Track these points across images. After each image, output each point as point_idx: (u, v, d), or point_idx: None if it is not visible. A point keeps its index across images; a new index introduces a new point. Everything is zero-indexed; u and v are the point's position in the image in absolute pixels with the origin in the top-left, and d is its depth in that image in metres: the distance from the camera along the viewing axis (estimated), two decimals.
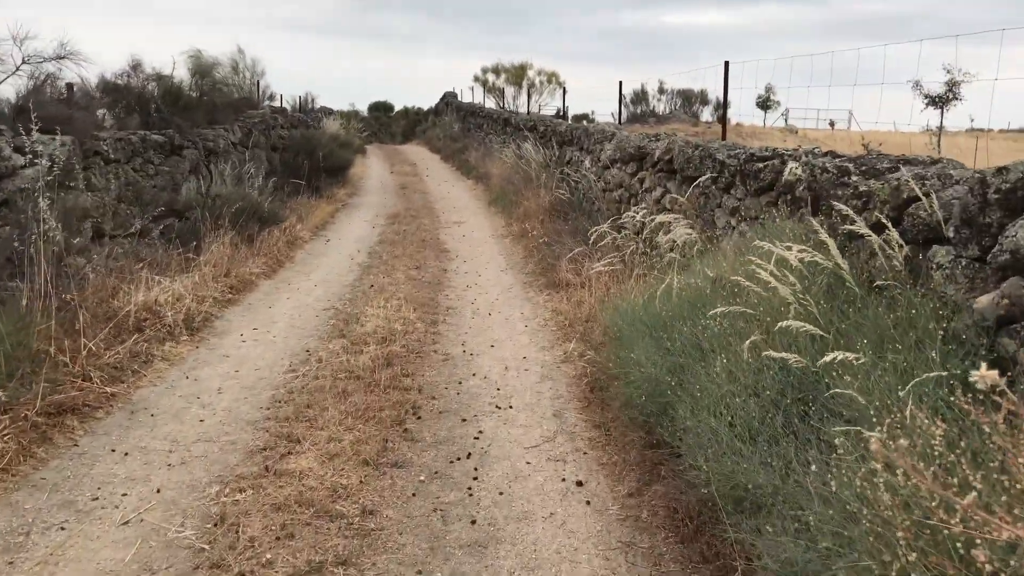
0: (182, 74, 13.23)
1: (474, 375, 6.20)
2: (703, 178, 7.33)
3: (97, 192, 8.40)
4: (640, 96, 33.12)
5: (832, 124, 44.04)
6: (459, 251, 11.67)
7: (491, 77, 37.56)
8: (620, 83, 14.32)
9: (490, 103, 35.06)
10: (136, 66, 12.78)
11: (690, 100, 34.83)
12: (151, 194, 9.19)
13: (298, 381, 5.91)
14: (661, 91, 33.91)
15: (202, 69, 13.18)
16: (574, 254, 9.34)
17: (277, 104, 23.80)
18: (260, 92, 21.49)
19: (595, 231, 8.12)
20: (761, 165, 6.19)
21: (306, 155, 15.58)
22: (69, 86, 9.81)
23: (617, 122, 15.35)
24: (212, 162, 12.16)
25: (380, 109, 53.60)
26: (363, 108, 51.28)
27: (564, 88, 19.08)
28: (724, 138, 9.70)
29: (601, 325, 6.79)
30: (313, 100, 31.59)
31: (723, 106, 9.85)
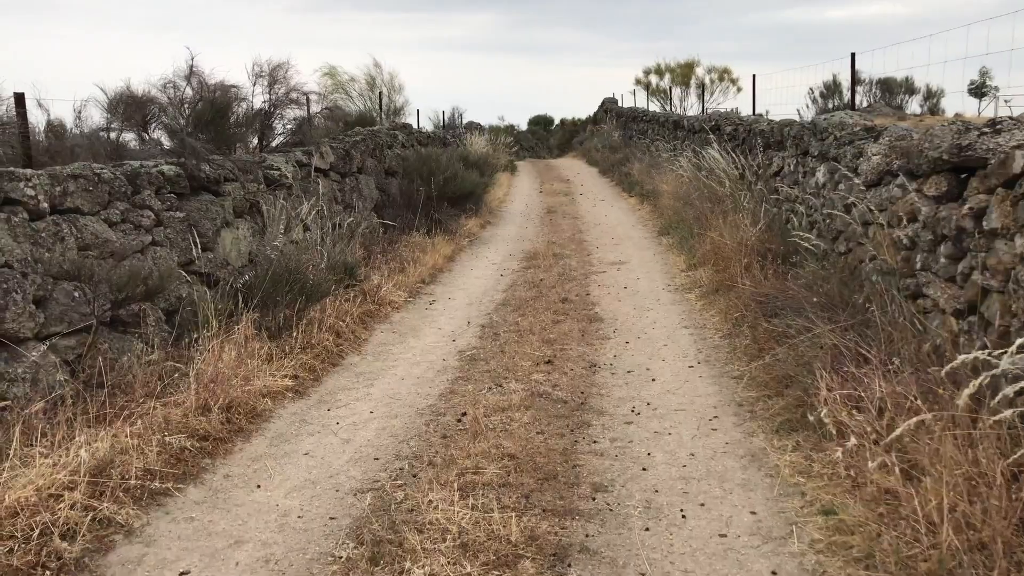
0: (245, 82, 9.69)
1: None
2: None
3: None
4: (832, 88, 27.35)
5: None
6: (618, 319, 7.34)
7: (654, 79, 32.96)
8: (853, 55, 9.61)
9: (654, 107, 30.45)
10: (190, 75, 9.35)
11: (891, 90, 28.62)
12: (109, 266, 5.48)
13: None
14: (857, 82, 27.93)
15: (272, 74, 9.58)
16: (831, 357, 4.80)
17: (411, 121, 20.38)
18: (384, 107, 18.09)
19: (962, 368, 3.37)
20: None
21: (422, 180, 11.76)
22: (18, 97, 6.29)
23: (852, 109, 10.55)
24: (277, 199, 8.47)
25: (539, 123, 50.18)
26: (521, 123, 47.97)
27: (753, 80, 14.25)
28: None
29: None
30: (460, 116, 28.19)
31: None
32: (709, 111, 23.06)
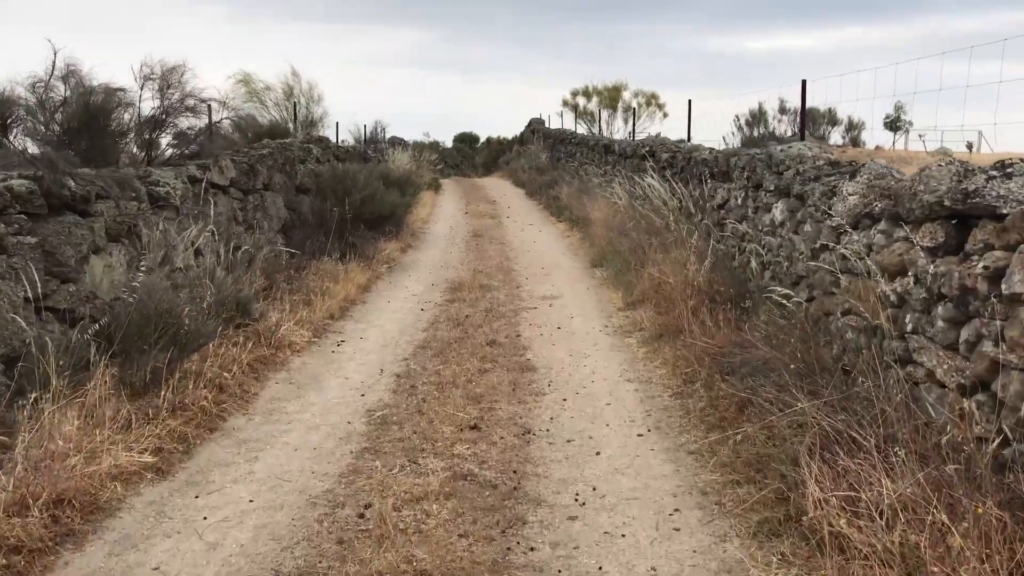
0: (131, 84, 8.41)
1: None
2: None
3: None
4: (757, 117, 27.35)
5: (970, 146, 37.22)
6: (552, 369, 6.43)
7: (581, 101, 32.56)
8: (804, 82, 8.98)
9: (581, 129, 29.94)
10: (68, 75, 8.09)
11: (815, 120, 28.82)
12: None
13: None
14: (782, 111, 27.99)
15: (164, 77, 8.34)
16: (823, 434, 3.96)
17: (331, 134, 19.17)
18: (301, 119, 16.90)
19: None
20: None
21: (336, 199, 10.66)
22: None
23: (801, 140, 9.87)
24: (161, 220, 7.27)
25: (465, 140, 49.26)
26: (447, 140, 46.92)
27: (689, 106, 13.46)
28: None
29: None
30: (383, 130, 27.11)
31: None
32: (638, 136, 22.55)
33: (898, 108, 34.86)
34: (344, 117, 51.54)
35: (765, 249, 7.04)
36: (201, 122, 9.69)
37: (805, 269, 5.97)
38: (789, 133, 28.86)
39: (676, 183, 9.65)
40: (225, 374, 5.55)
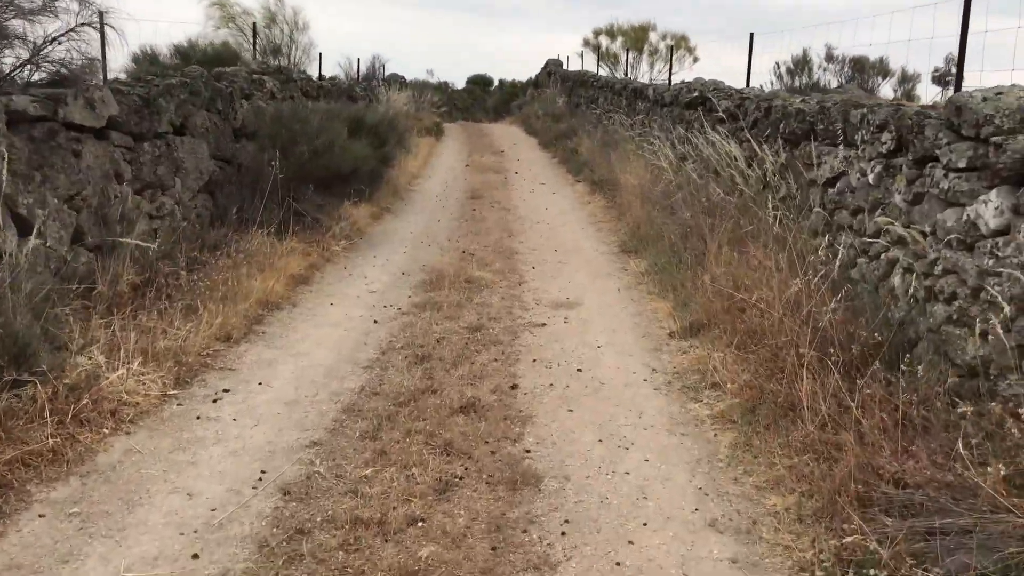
0: None
1: None
2: None
3: None
4: (800, 64, 23.83)
5: None
6: (569, 477, 3.50)
7: (604, 41, 28.93)
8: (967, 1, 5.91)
9: (603, 73, 26.53)
10: None
11: (864, 70, 25.24)
12: None
13: None
14: (830, 58, 24.38)
15: None
16: None
17: (314, 68, 15.96)
18: (259, 45, 13.70)
19: None
20: None
21: (279, 150, 7.62)
22: None
23: (956, 86, 6.78)
24: None
25: (478, 83, 45.66)
26: (459, 81, 43.35)
27: (751, 40, 10.25)
28: None
29: None
30: (382, 66, 23.81)
31: None
32: (672, 81, 19.20)
33: (949, 61, 31.26)
34: (338, 53, 47.57)
35: (939, 269, 4.04)
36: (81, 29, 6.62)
37: None
38: (835, 83, 25.35)
39: (761, 145, 6.59)
40: None
